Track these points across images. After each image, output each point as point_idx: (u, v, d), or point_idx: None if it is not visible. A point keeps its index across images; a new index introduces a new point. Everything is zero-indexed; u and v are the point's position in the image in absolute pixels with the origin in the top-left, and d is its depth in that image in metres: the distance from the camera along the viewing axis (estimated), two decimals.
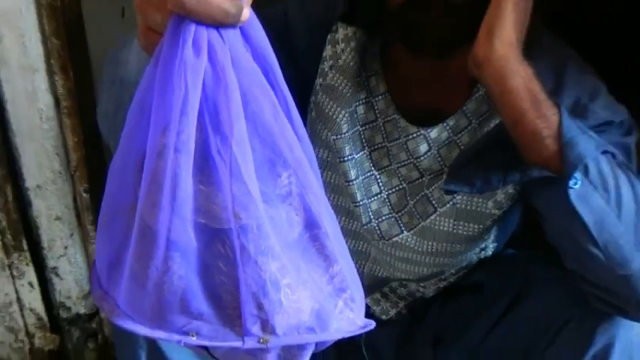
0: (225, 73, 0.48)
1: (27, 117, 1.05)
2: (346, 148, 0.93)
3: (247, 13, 0.47)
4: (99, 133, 1.01)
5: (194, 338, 0.53)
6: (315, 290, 0.55)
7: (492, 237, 1.01)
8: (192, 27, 0.46)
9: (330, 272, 0.56)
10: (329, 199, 0.95)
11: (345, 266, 0.57)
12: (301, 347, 0.57)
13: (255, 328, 0.52)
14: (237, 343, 0.52)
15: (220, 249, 0.51)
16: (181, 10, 0.45)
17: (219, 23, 0.47)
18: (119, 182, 0.54)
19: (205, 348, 0.56)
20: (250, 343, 0.52)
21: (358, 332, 0.57)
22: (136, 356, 0.91)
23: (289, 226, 0.54)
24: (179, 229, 0.50)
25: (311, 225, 0.55)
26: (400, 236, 0.97)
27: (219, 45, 0.47)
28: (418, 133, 0.91)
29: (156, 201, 0.49)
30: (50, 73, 1.01)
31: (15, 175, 1.09)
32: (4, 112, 1.04)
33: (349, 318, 0.57)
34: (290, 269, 0.52)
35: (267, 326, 0.52)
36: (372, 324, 0.58)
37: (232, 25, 0.48)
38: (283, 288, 0.52)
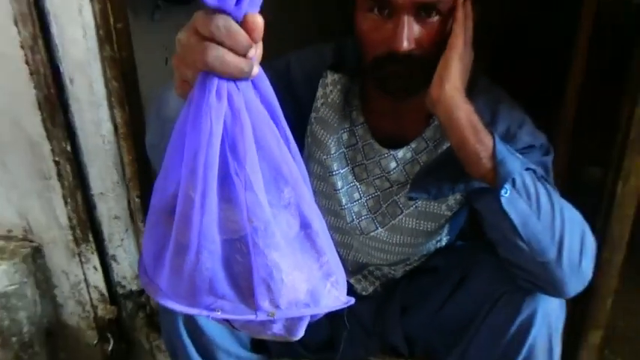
0: (241, 114, 0.50)
1: (93, 140, 1.07)
2: (334, 165, 0.97)
3: (257, 69, 0.51)
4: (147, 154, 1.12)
5: (219, 313, 0.55)
6: (309, 275, 0.57)
7: (445, 232, 1.03)
8: (216, 80, 0.48)
9: (320, 261, 0.58)
10: (321, 204, 1.03)
11: (331, 257, 0.59)
12: (299, 319, 0.59)
13: (265, 305, 0.54)
14: (252, 316, 0.55)
15: (238, 246, 0.54)
16: (207, 68, 0.48)
17: (236, 77, 0.49)
18: (160, 196, 0.56)
19: (227, 321, 0.58)
20: (261, 316, 0.54)
21: (341, 307, 0.60)
22: (176, 325, 0.95)
23: (289, 227, 0.56)
24: (207, 234, 0.52)
25: (305, 226, 0.57)
26: (376, 232, 1.00)
27: (236, 93, 0.50)
28: (388, 154, 0.95)
29: (189, 212, 0.51)
30: (111, 107, 1.04)
31: (84, 185, 1.12)
32: (75, 137, 1.07)
33: (335, 296, 0.59)
34: (290, 259, 0.55)
35: (273, 303, 0.54)
36: (352, 300, 0.60)
37: (245, 79, 0.50)
38: (285, 273, 0.54)
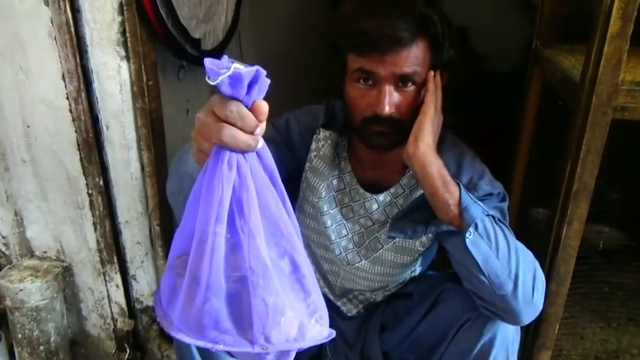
0: (247, 180, 0.52)
1: (122, 177, 1.08)
2: (324, 206, 0.97)
3: (261, 143, 0.52)
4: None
5: (221, 346, 0.55)
6: (298, 312, 0.57)
7: (419, 263, 1.03)
8: (227, 153, 0.50)
9: (307, 301, 0.59)
10: (313, 239, 1.04)
11: (317, 296, 0.60)
12: (288, 351, 0.59)
13: (261, 339, 0.55)
14: (249, 349, 0.55)
15: (240, 289, 0.54)
16: (221, 143, 0.50)
17: (244, 151, 0.51)
18: (178, 246, 0.58)
19: (229, 352, 0.59)
20: (257, 349, 0.55)
21: (324, 340, 0.60)
22: (190, 351, 0.90)
23: (283, 272, 0.57)
24: (214, 279, 0.53)
25: (295, 270, 0.58)
26: (360, 263, 1.00)
27: (244, 163, 0.52)
28: (371, 197, 0.96)
29: (201, 261, 0.52)
30: (139, 150, 1.05)
31: (112, 214, 1.12)
32: (107, 173, 1.08)
33: (319, 330, 0.59)
34: (284, 301, 0.55)
35: (268, 338, 0.55)
36: (333, 333, 0.60)
37: (251, 151, 0.52)
38: (280, 314, 0.55)
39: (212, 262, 0.53)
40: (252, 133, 0.50)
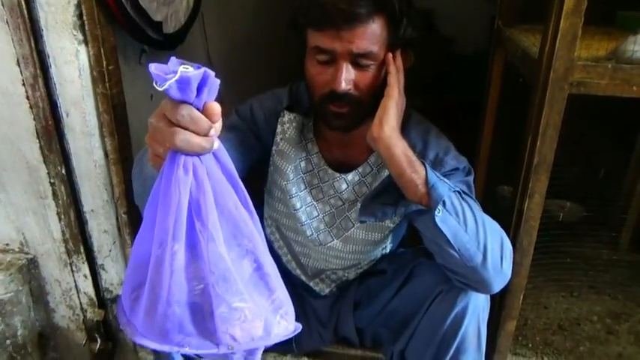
0: (204, 183, 0.51)
1: (85, 165, 1.04)
2: (293, 189, 0.98)
3: (216, 144, 0.51)
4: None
5: (187, 349, 0.55)
6: (262, 310, 0.58)
7: (389, 240, 1.05)
8: (182, 156, 0.50)
9: (271, 298, 0.59)
10: (283, 222, 1.04)
11: (281, 293, 0.60)
12: (255, 349, 0.60)
13: (225, 339, 0.55)
14: (214, 350, 0.55)
15: (202, 292, 0.55)
16: (175, 148, 0.49)
17: (199, 153, 0.50)
18: (138, 250, 0.57)
19: (197, 354, 0.58)
20: (223, 349, 0.55)
21: (291, 335, 0.60)
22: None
23: (245, 271, 0.57)
24: (176, 284, 0.53)
25: (258, 268, 0.58)
26: (332, 243, 1.01)
27: (200, 165, 0.51)
28: (340, 177, 0.97)
29: (161, 267, 0.52)
30: (102, 136, 1.02)
31: (76, 203, 1.09)
32: (69, 162, 1.05)
33: (285, 326, 0.60)
34: (247, 299, 0.55)
35: (233, 338, 0.55)
36: (299, 327, 0.61)
37: (207, 153, 0.51)
38: (243, 315, 0.55)
39: (172, 269, 0.52)
40: (206, 135, 0.49)
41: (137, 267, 0.57)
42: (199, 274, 0.54)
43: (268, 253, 0.59)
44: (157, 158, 0.53)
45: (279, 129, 0.98)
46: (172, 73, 0.45)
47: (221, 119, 0.51)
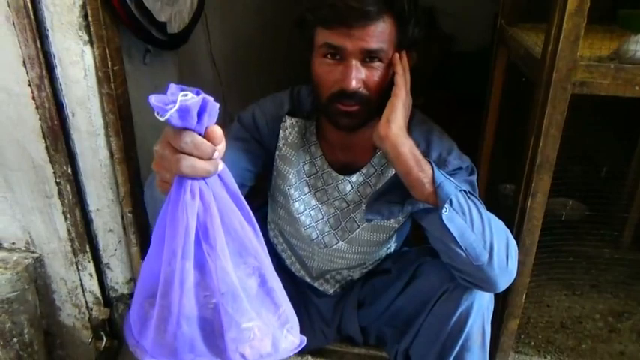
0: (210, 206, 0.52)
1: (91, 165, 1.05)
2: (295, 193, 0.98)
3: (221, 166, 0.52)
4: (139, 175, 1.09)
5: None
6: (270, 327, 0.59)
7: (394, 240, 1.05)
8: (189, 182, 0.51)
9: (277, 313, 0.60)
10: (285, 229, 1.04)
11: (287, 307, 0.61)
12: None
13: (236, 358, 0.56)
14: None
15: (212, 312, 0.56)
16: (180, 174, 0.50)
17: (205, 177, 0.51)
18: (146, 275, 0.58)
19: None
20: None
21: (297, 350, 0.61)
22: None
23: (252, 287, 0.58)
24: (185, 305, 0.54)
25: (264, 284, 0.59)
26: (337, 245, 1.01)
27: (206, 189, 0.52)
28: (344, 179, 0.96)
29: (170, 288, 0.53)
30: (107, 136, 1.03)
31: (82, 203, 1.09)
32: (75, 161, 1.05)
33: (291, 340, 0.61)
34: (255, 317, 0.57)
35: (242, 356, 0.56)
36: (304, 340, 0.62)
37: (212, 176, 0.52)
38: (252, 333, 0.57)
39: (182, 291, 0.53)
40: (210, 158, 0.50)
41: (145, 289, 0.59)
42: (208, 294, 0.55)
43: (272, 268, 0.60)
44: (165, 184, 0.54)
45: (281, 134, 0.98)
46: (172, 103, 0.46)
47: (224, 141, 0.52)
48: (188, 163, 0.49)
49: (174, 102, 0.46)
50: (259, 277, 0.59)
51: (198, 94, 0.48)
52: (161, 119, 0.46)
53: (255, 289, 0.58)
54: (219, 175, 0.54)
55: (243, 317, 0.55)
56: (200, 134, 0.49)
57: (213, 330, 0.56)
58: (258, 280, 0.59)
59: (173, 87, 0.48)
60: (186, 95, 0.47)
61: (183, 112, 0.46)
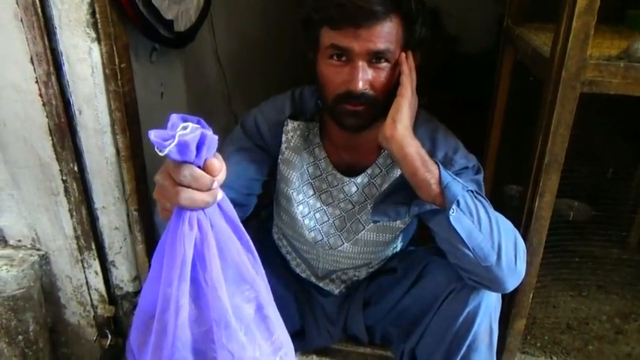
0: (208, 236, 0.54)
1: (97, 162, 1.05)
2: (299, 196, 0.97)
3: (220, 195, 0.53)
4: (145, 173, 1.09)
5: None
6: (263, 354, 0.60)
7: (400, 240, 1.05)
8: (187, 212, 0.53)
9: (271, 339, 0.62)
10: (289, 233, 1.04)
11: (281, 333, 0.62)
12: None
13: None
14: None
15: (205, 339, 0.57)
16: (179, 206, 0.52)
17: (203, 207, 0.53)
18: (145, 300, 0.60)
19: None
20: None
21: None
22: None
23: (248, 314, 0.60)
24: (181, 332, 0.55)
25: (259, 310, 0.61)
26: (343, 246, 1.00)
27: (204, 219, 0.54)
28: (349, 181, 0.96)
29: (166, 315, 0.55)
30: (114, 134, 1.02)
31: (88, 200, 1.09)
32: (81, 159, 1.05)
33: None
34: (248, 345, 0.58)
35: None
36: None
37: (211, 206, 0.54)
38: (244, 359, 0.58)
39: (177, 318, 0.55)
40: (208, 190, 0.51)
41: (145, 311, 0.60)
42: (203, 321, 0.56)
43: (270, 294, 0.62)
44: (166, 212, 0.55)
45: (283, 138, 0.97)
46: (171, 138, 0.47)
47: (224, 170, 0.53)
48: (187, 196, 0.50)
49: (174, 137, 0.47)
50: (256, 304, 0.60)
51: (199, 123, 0.49)
52: (161, 154, 0.48)
53: (250, 316, 0.60)
54: (218, 204, 0.55)
55: (237, 345, 0.57)
56: (199, 167, 0.50)
57: (206, 356, 0.57)
58: (255, 307, 0.60)
59: (174, 117, 0.49)
60: (185, 128, 0.48)
61: (182, 147, 0.48)
